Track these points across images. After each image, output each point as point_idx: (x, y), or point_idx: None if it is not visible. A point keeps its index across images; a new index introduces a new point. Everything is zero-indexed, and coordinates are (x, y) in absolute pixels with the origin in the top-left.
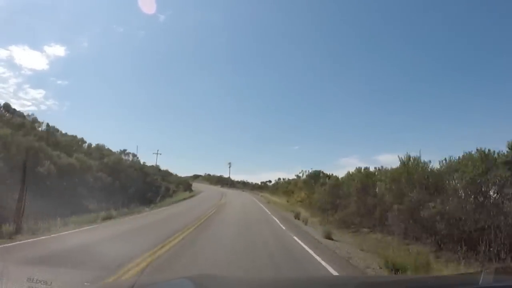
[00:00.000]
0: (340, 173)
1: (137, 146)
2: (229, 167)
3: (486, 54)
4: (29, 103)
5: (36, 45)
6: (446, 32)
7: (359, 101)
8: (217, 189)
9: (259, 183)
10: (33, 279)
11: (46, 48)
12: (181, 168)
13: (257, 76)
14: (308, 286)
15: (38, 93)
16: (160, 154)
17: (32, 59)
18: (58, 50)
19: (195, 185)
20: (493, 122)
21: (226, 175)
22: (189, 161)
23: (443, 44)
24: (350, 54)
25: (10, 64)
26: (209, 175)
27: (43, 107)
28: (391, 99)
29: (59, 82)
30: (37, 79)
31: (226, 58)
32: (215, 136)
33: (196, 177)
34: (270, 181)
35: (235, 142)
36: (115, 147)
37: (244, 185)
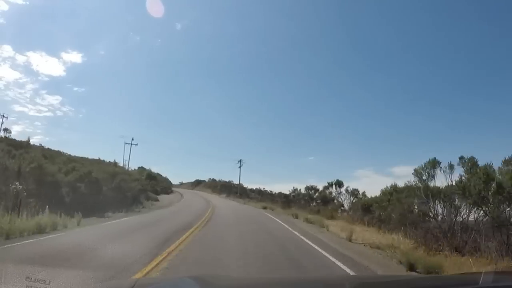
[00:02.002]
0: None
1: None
2: (240, 166)
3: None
4: (45, 109)
5: (53, 52)
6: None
7: (376, 112)
8: (209, 200)
9: (282, 194)
10: (31, 278)
11: (63, 54)
12: (184, 174)
13: (272, 85)
14: (308, 286)
15: (55, 99)
16: (136, 144)
17: (49, 65)
18: (75, 57)
19: (174, 196)
20: None
21: (236, 181)
22: (198, 167)
23: (463, 52)
24: (367, 64)
25: (27, 69)
26: (213, 180)
27: (59, 113)
28: (407, 110)
29: (75, 88)
30: (53, 85)
31: (242, 67)
32: (227, 145)
33: (198, 183)
34: (297, 190)
35: (247, 152)
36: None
37: (260, 195)
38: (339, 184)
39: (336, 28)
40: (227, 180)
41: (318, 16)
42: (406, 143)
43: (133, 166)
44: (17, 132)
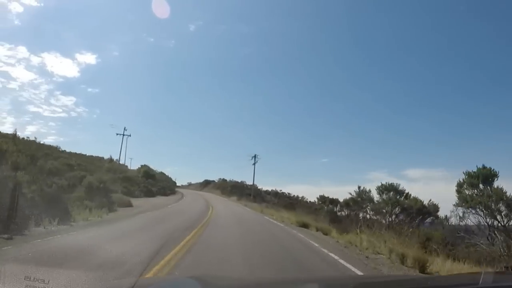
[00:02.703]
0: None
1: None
2: (254, 162)
3: None
4: (60, 110)
5: (67, 53)
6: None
7: (390, 113)
8: (212, 205)
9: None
10: (30, 277)
11: (77, 55)
12: (196, 175)
13: (286, 86)
14: (308, 286)
15: (69, 100)
16: (129, 135)
17: (63, 66)
18: (89, 58)
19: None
20: None
21: (249, 182)
22: (209, 168)
23: (481, 55)
24: (380, 68)
25: (42, 71)
26: (224, 180)
27: (73, 114)
28: (421, 111)
29: (89, 89)
30: (68, 86)
31: (255, 67)
32: (239, 147)
33: (206, 183)
34: (364, 192)
35: (259, 153)
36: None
37: (276, 197)
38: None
39: (350, 26)
40: (239, 181)
41: (330, 16)
42: (420, 145)
43: (138, 165)
44: (31, 132)
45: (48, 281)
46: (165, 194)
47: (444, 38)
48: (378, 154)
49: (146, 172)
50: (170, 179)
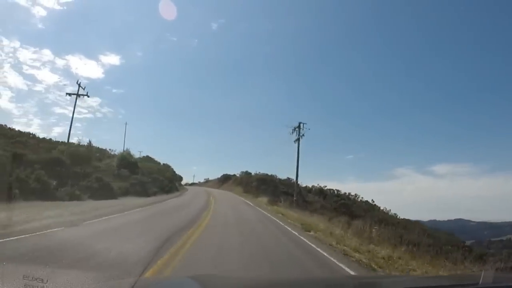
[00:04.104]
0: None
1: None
2: (298, 137)
3: None
4: (85, 111)
5: (91, 54)
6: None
7: (416, 109)
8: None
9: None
10: (29, 276)
11: (101, 57)
12: (216, 171)
13: (310, 83)
14: (307, 286)
15: (94, 101)
16: (87, 95)
17: (88, 68)
18: (113, 59)
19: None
20: None
21: (280, 176)
22: (232, 162)
23: None
24: (410, 59)
25: (67, 72)
26: (247, 174)
27: (98, 115)
28: (450, 107)
29: (114, 90)
30: (92, 87)
31: (277, 64)
32: (261, 141)
33: (225, 179)
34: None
35: (285, 152)
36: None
37: (321, 196)
38: None
39: (379, 20)
40: (268, 173)
41: (359, 10)
42: (446, 141)
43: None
44: (58, 133)
45: None
46: (146, 194)
47: (472, 35)
48: (404, 150)
49: (124, 159)
50: (173, 172)
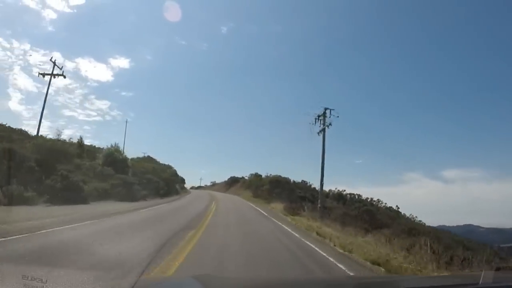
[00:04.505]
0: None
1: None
2: (323, 127)
3: None
4: (95, 114)
5: (101, 57)
6: None
7: (425, 113)
8: None
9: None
10: (28, 276)
11: (111, 60)
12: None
13: (319, 86)
14: (307, 286)
15: (103, 104)
16: (62, 74)
17: (97, 71)
18: (122, 62)
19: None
20: None
21: (295, 179)
22: (243, 164)
23: None
24: (418, 61)
25: (77, 75)
26: (257, 176)
27: (108, 118)
28: (460, 111)
29: (123, 93)
30: (102, 90)
31: (287, 67)
32: (269, 144)
33: (233, 181)
34: None
35: (292, 153)
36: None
37: (341, 202)
38: None
39: (385, 22)
40: (281, 175)
41: (366, 13)
42: (456, 145)
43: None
44: (67, 136)
45: None
46: (132, 197)
47: (482, 36)
48: (413, 155)
49: (111, 155)
50: (173, 174)
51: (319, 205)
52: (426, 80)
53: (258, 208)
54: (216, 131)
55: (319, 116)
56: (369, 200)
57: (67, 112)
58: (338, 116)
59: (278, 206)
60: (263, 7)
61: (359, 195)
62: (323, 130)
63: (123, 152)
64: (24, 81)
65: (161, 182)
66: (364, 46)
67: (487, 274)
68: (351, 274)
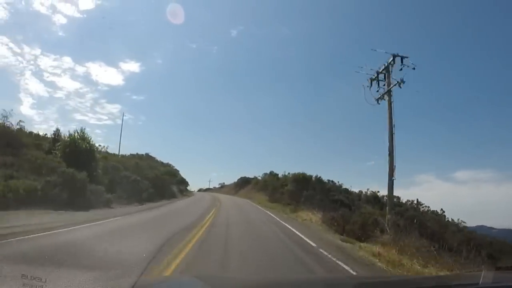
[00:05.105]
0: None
1: None
2: (389, 88)
3: None
4: (106, 117)
5: (111, 62)
6: None
7: (436, 114)
8: None
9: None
10: (27, 276)
11: (121, 64)
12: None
13: (329, 89)
14: (307, 286)
15: (114, 108)
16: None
17: (108, 75)
18: (133, 66)
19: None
20: None
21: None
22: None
23: None
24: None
25: (87, 80)
26: (273, 175)
27: (119, 122)
28: (472, 112)
29: (134, 97)
30: (113, 94)
31: (297, 71)
32: (279, 147)
33: (244, 182)
34: None
35: (303, 155)
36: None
37: (377, 204)
38: None
39: (395, 26)
40: (303, 172)
41: (375, 16)
42: (468, 147)
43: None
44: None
45: None
46: (81, 204)
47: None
48: (425, 157)
49: (72, 144)
50: (172, 173)
51: (387, 218)
52: (437, 83)
53: (287, 225)
54: (226, 133)
55: (380, 71)
56: (410, 203)
57: (78, 116)
58: (414, 68)
59: (312, 217)
60: (271, 10)
61: (397, 197)
62: (389, 92)
63: (91, 140)
64: (35, 86)
65: (145, 182)
66: (367, 47)
67: (487, 274)
68: (352, 274)
